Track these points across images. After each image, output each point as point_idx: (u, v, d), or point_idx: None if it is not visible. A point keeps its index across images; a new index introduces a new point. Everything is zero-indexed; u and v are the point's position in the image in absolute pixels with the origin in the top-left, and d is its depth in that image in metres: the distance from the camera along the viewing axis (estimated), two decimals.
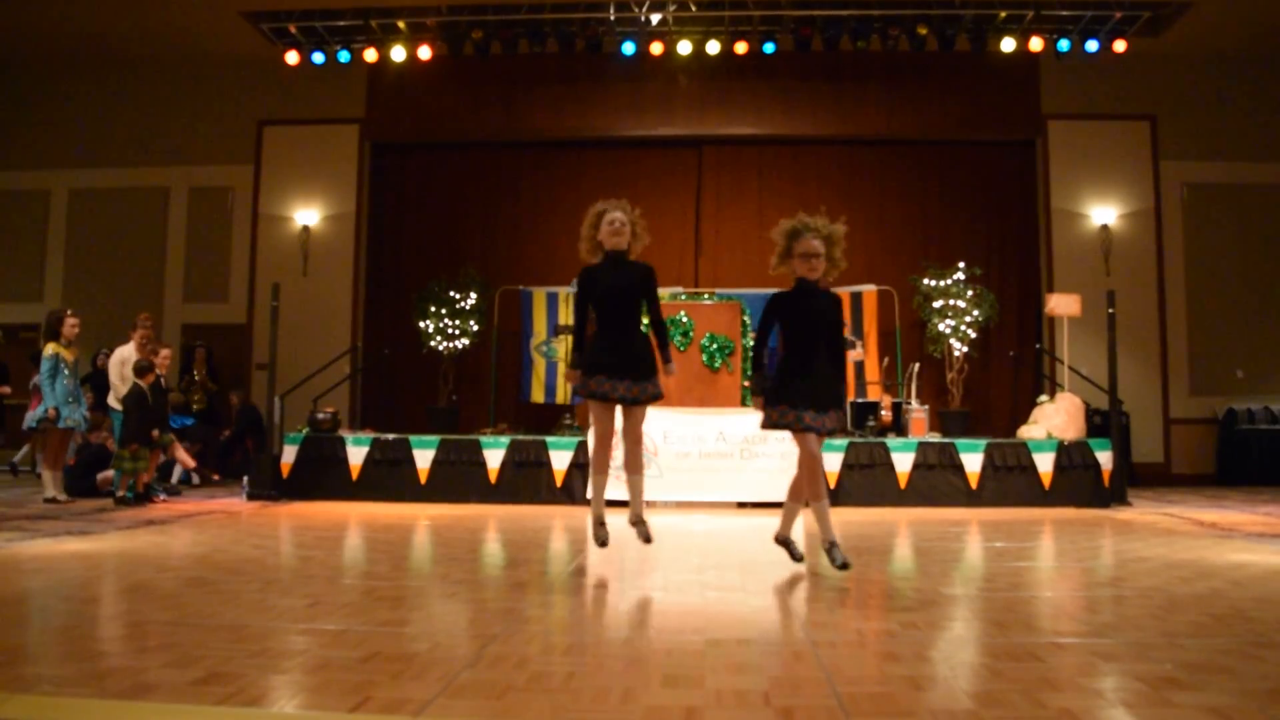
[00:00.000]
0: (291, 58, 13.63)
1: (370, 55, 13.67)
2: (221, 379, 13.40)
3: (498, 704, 2.67)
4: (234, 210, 14.65)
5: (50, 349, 9.23)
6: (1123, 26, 13.34)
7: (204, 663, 3.06)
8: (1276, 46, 13.71)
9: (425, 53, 13.58)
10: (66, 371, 9.23)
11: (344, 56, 13.71)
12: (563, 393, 13.18)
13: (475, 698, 2.73)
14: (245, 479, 10.13)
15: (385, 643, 3.39)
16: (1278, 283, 14.12)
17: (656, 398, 5.33)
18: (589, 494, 5.69)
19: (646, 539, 5.41)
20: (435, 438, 10.08)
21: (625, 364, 5.24)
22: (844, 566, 4.85)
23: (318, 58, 13.63)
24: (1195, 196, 14.41)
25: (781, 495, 9.16)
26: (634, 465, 5.50)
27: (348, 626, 3.69)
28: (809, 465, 5.00)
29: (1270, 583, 4.90)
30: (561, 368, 13.07)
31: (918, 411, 10.62)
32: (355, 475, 10.01)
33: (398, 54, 13.58)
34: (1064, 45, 13.45)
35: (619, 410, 5.39)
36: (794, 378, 5.02)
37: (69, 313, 9.43)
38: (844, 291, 13.16)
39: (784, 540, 5.39)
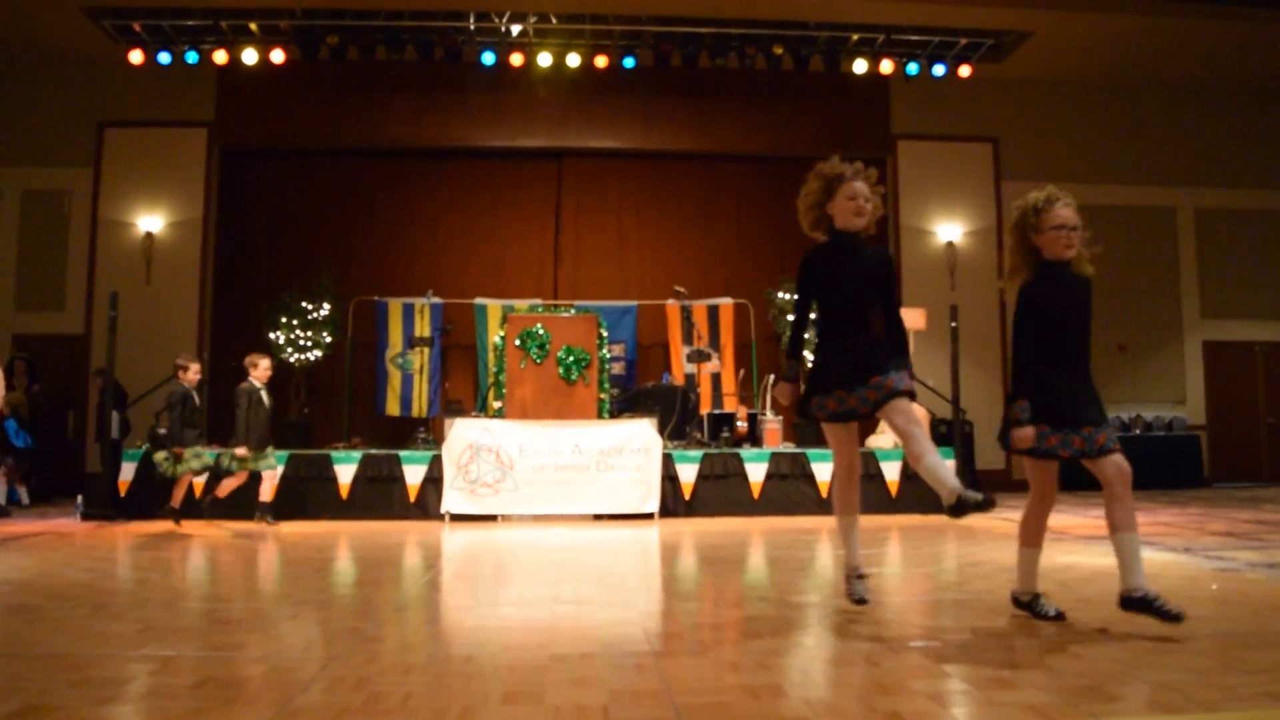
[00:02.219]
0: (135, 57, 13.06)
1: (220, 57, 13.22)
2: (52, 392, 12.72)
3: None
4: (71, 215, 13.92)
5: None
6: (967, 52, 13.95)
7: (20, 695, 2.90)
8: (1110, 75, 14.55)
9: (278, 56, 13.22)
10: None
11: (192, 58, 13.22)
12: (418, 405, 12.97)
13: None
14: (79, 498, 9.64)
15: (218, 668, 3.27)
16: (1109, 298, 14.90)
17: (910, 394, 4.17)
18: (843, 540, 4.52)
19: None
20: (284, 453, 9.78)
21: (859, 370, 4.10)
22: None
23: (164, 58, 13.12)
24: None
25: (637, 506, 9.29)
26: (921, 447, 4.05)
27: (179, 652, 3.54)
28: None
29: (1094, 584, 5.16)
30: (419, 380, 12.85)
31: (772, 422, 10.82)
32: (198, 493, 9.61)
33: (249, 57, 13.18)
34: (913, 69, 13.99)
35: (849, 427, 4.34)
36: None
37: None
38: (700, 305, 13.36)
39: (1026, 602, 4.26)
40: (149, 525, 9.09)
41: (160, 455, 8.85)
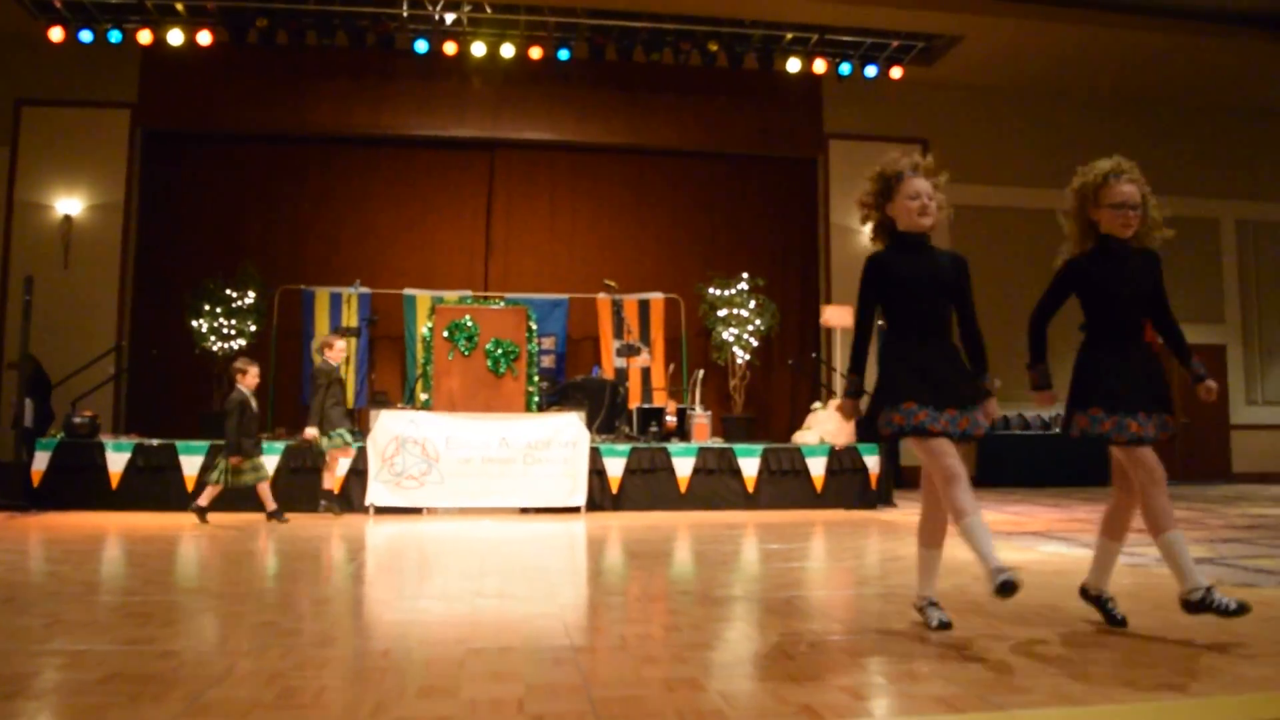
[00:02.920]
0: (56, 34, 12.72)
1: (145, 37, 12.93)
2: None
3: None
4: None
5: None
6: (899, 55, 14.16)
7: None
8: (1036, 81, 14.85)
9: (205, 38, 12.96)
10: None
11: (115, 37, 12.91)
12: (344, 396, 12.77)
13: (217, 716, 2.62)
14: None
15: (127, 662, 3.20)
16: (1033, 299, 15.21)
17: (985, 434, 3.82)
18: (927, 571, 3.90)
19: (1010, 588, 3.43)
20: (205, 443, 9.59)
21: (943, 385, 3.66)
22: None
23: (85, 36, 12.80)
24: (960, 216, 15.33)
25: (564, 500, 9.29)
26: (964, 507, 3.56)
27: (89, 646, 3.46)
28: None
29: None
30: (345, 371, 12.64)
31: (700, 417, 10.89)
32: (115, 484, 9.41)
33: (175, 38, 12.90)
34: (845, 69, 14.15)
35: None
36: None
37: None
38: (631, 299, 13.39)
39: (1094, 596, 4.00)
40: (63, 516, 8.86)
41: (217, 469, 8.46)
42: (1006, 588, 3.33)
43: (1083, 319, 3.92)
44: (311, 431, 8.85)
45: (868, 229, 4.06)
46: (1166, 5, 13.25)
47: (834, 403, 11.09)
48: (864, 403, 3.93)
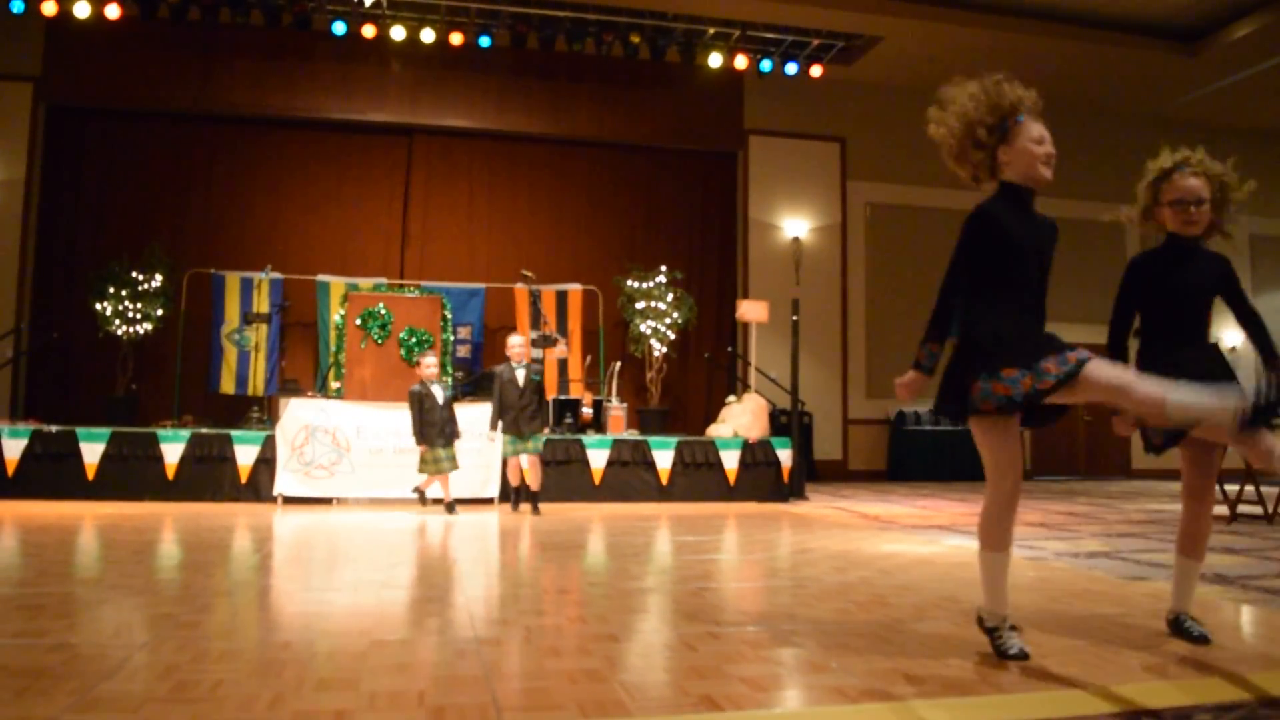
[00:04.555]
0: None
1: (49, 8, 12.51)
2: None
3: (133, 717, 2.51)
4: None
5: None
6: (820, 53, 14.33)
7: None
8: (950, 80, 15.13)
9: (114, 11, 12.59)
10: None
11: (17, 7, 12.49)
12: (254, 384, 12.55)
13: (108, 711, 2.55)
14: None
15: (14, 656, 3.11)
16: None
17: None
18: (985, 579, 3.30)
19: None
20: (106, 430, 9.32)
21: (1041, 347, 3.06)
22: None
23: None
24: (877, 215, 15.66)
25: (477, 491, 9.22)
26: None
27: None
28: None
29: (912, 571, 5.39)
30: (256, 358, 12.42)
31: (616, 409, 10.91)
32: (10, 471, 9.08)
33: (81, 10, 12.51)
34: (766, 65, 14.28)
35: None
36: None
37: None
38: (549, 289, 13.36)
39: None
40: None
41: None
42: None
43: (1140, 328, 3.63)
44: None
45: (963, 173, 3.46)
46: (1076, 13, 13.63)
47: (750, 397, 11.20)
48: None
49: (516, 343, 8.74)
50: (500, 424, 8.56)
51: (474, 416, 9.39)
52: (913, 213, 15.55)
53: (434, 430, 8.47)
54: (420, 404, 8.48)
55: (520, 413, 8.51)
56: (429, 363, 8.66)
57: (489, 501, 9.38)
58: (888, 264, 15.56)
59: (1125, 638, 3.61)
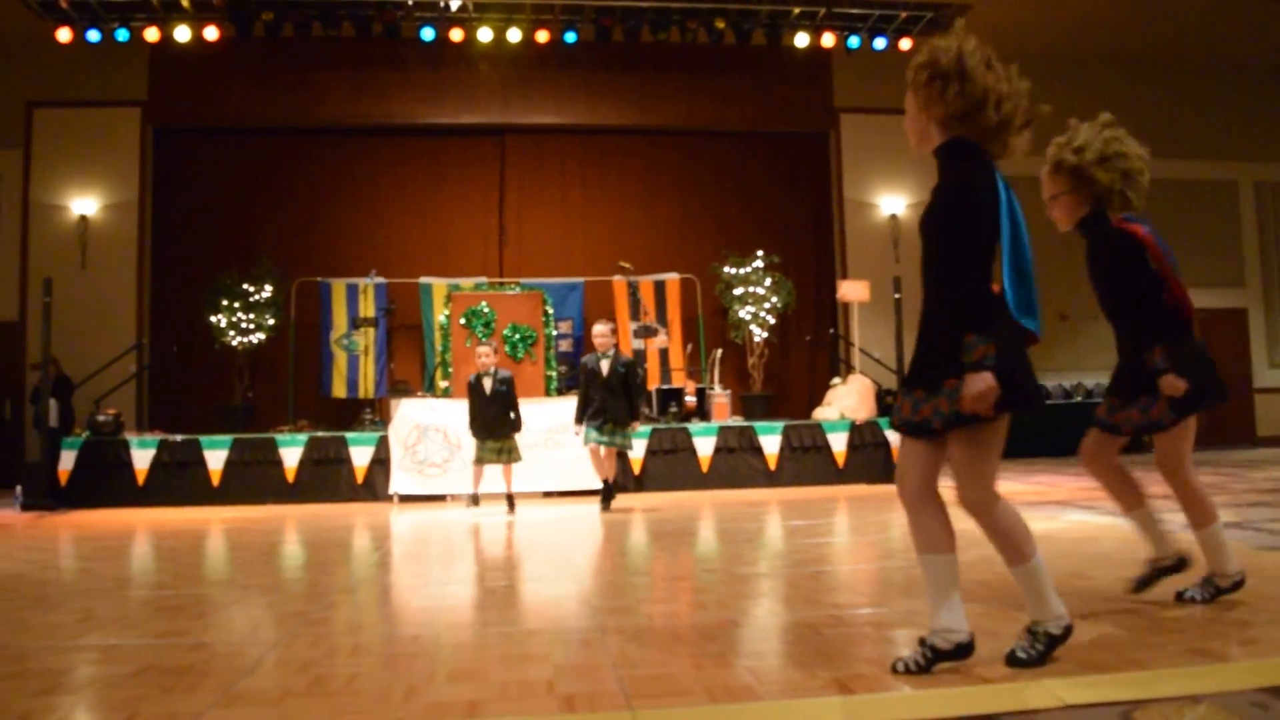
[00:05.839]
0: (63, 35, 12.72)
1: (152, 34, 12.91)
2: None
3: (275, 711, 2.59)
4: (1, 199, 13.58)
5: None
6: (908, 25, 14.01)
7: None
8: (1046, 49, 14.70)
9: (212, 33, 12.95)
10: None
11: (122, 35, 12.91)
12: (364, 387, 12.85)
13: (251, 706, 2.64)
14: (18, 489, 9.45)
15: (160, 655, 3.23)
16: (1054, 267, 15.00)
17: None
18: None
19: None
20: (228, 437, 9.66)
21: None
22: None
23: (93, 35, 12.79)
24: None
25: (586, 483, 9.28)
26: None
27: (121, 641, 3.50)
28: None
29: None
30: (365, 361, 12.71)
31: (720, 396, 10.88)
32: (141, 480, 9.49)
33: (182, 34, 12.90)
34: (854, 42, 14.03)
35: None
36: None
37: None
38: (646, 280, 13.37)
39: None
40: (91, 514, 8.94)
41: None
42: None
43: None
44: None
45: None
46: None
47: (855, 378, 11.06)
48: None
49: (598, 331, 8.37)
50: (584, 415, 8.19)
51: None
52: (1014, 183, 15.14)
53: (477, 423, 8.27)
54: (469, 395, 8.30)
55: (603, 404, 8.10)
56: (480, 352, 8.44)
57: (598, 492, 9.43)
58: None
59: (1271, 609, 3.47)
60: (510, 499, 8.35)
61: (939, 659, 2.75)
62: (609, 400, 8.09)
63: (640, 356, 12.32)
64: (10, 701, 2.72)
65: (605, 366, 8.16)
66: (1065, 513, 7.01)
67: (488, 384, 8.24)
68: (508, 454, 8.25)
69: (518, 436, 8.31)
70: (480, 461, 8.29)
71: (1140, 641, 3.05)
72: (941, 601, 2.79)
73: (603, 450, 8.19)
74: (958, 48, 2.86)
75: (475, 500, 8.45)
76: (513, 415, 8.25)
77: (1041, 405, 2.89)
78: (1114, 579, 4.00)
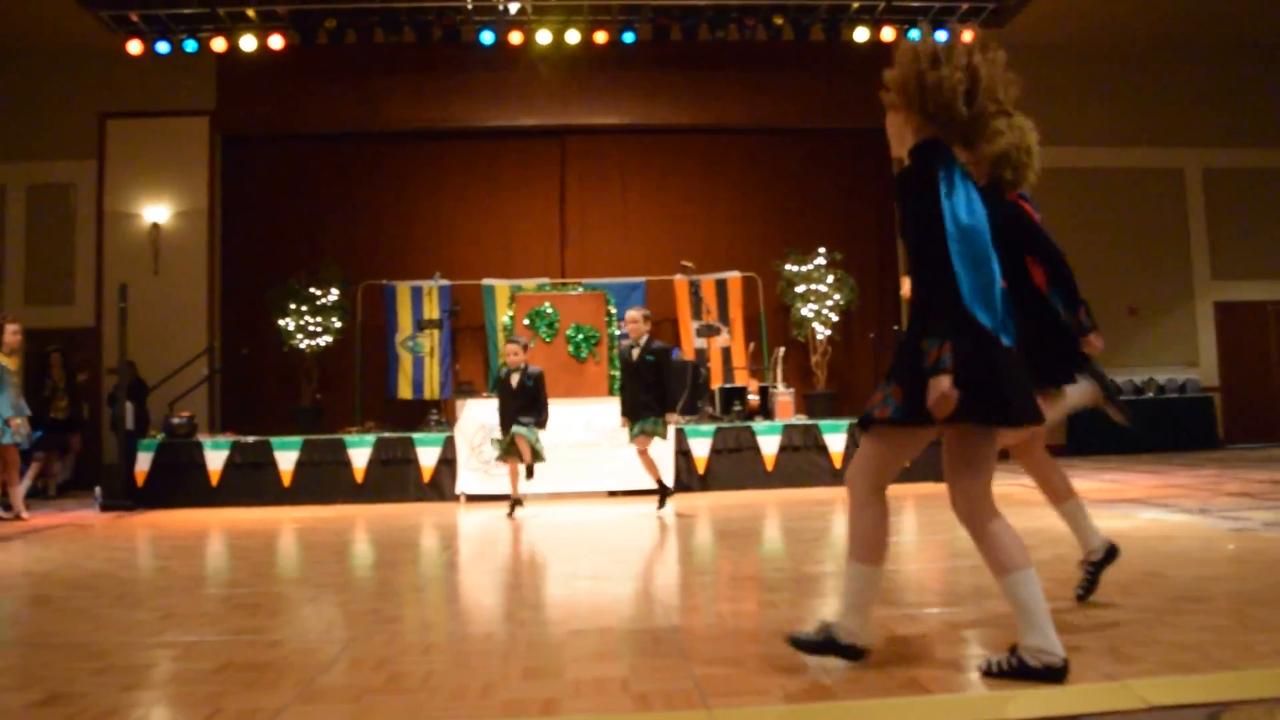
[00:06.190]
0: (134, 47, 13.03)
1: (219, 45, 13.17)
2: (73, 385, 12.77)
3: (354, 707, 2.63)
4: (77, 208, 13.95)
5: None
6: (969, 17, 13.82)
7: (44, 684, 2.93)
8: (1106, 40, 14.40)
9: (277, 42, 13.17)
10: (13, 381, 8.60)
11: (191, 46, 13.19)
12: (430, 388, 12.98)
13: (330, 702, 2.68)
14: (97, 489, 9.70)
15: (240, 651, 3.30)
16: (1119, 261, 14.65)
17: None
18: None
19: None
20: (298, 438, 9.83)
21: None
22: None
23: (162, 47, 13.08)
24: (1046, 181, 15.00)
25: (651, 482, 9.26)
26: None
27: (201, 637, 3.57)
28: None
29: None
30: (430, 363, 12.85)
31: (783, 395, 10.82)
32: (215, 480, 9.69)
33: (248, 43, 13.13)
34: (914, 35, 13.85)
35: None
36: None
37: (9, 319, 8.74)
38: (708, 279, 13.34)
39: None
40: (167, 514, 9.14)
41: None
42: None
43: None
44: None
45: None
46: None
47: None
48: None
49: (629, 316, 8.14)
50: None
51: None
52: (1072, 175, 14.83)
53: (501, 417, 8.22)
54: (497, 390, 8.23)
55: (633, 394, 7.86)
56: (509, 349, 8.31)
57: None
58: (1053, 229, 14.89)
59: None
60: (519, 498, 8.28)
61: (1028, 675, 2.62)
62: (637, 390, 7.89)
63: (703, 355, 12.29)
64: (97, 696, 2.78)
65: (635, 354, 7.97)
66: (1141, 510, 6.86)
67: (515, 379, 8.15)
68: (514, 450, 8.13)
69: (541, 434, 8.17)
70: (504, 456, 8.19)
71: (1226, 641, 2.98)
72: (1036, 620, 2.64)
73: (637, 447, 8.01)
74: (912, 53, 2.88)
75: (517, 503, 8.27)
76: (537, 412, 8.11)
77: (1024, 420, 2.88)
78: (1193, 578, 3.91)
